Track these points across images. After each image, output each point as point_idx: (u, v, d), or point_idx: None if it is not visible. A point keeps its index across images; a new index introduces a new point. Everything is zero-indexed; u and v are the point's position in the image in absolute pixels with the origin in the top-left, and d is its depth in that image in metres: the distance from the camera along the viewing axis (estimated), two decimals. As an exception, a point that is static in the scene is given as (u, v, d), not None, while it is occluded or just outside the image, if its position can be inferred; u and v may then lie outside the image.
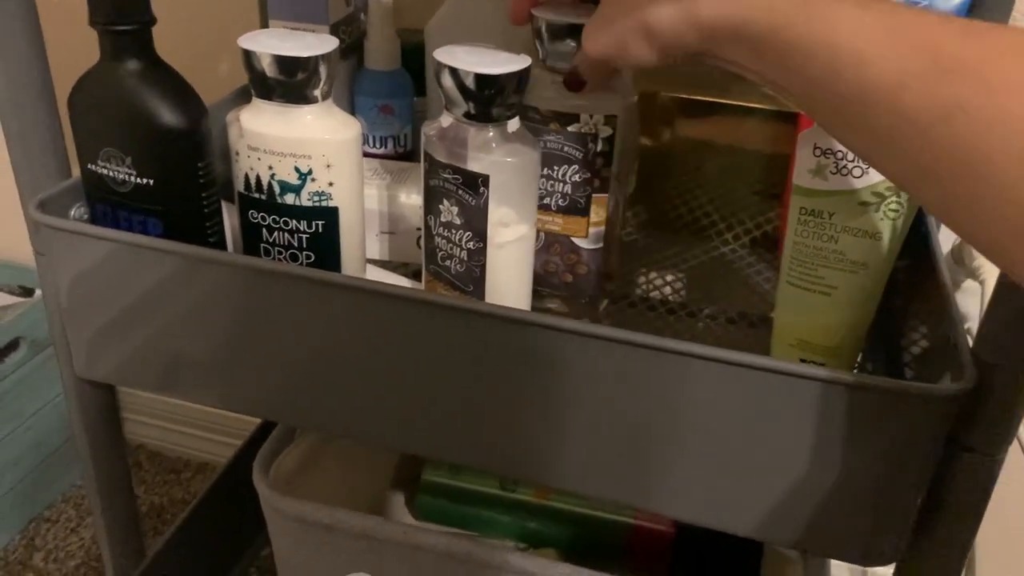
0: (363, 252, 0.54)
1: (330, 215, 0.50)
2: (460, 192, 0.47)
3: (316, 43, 0.47)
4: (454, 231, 0.49)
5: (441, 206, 0.48)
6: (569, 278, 0.55)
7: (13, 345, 1.06)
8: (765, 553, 0.68)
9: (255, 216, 0.50)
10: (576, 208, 0.53)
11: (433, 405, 0.48)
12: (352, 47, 0.67)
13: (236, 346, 0.50)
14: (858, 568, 0.95)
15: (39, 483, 1.12)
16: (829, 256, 0.46)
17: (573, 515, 0.75)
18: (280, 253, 0.51)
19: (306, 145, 0.48)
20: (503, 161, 0.46)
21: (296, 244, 0.50)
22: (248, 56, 0.47)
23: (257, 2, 0.80)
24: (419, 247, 0.61)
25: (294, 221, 0.50)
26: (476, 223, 0.47)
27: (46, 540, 1.10)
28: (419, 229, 0.61)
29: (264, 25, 0.79)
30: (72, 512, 1.14)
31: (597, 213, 0.55)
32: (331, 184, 0.49)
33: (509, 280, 0.50)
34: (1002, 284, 0.39)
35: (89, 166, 0.49)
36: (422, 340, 0.46)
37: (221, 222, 0.52)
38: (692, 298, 0.62)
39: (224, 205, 0.53)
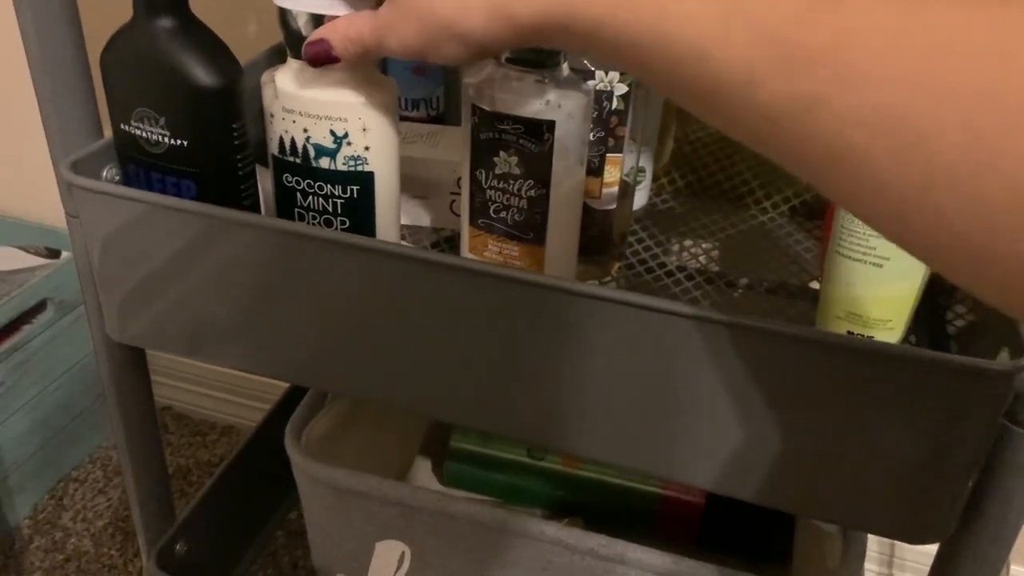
0: (398, 217, 0.53)
1: (365, 180, 0.48)
2: (521, 141, 0.46)
3: (353, 0, 0.46)
4: (512, 181, 0.48)
5: (496, 158, 0.48)
6: (581, 240, 0.54)
7: (40, 306, 1.06)
8: (798, 526, 0.67)
9: (289, 180, 0.49)
10: (590, 168, 0.52)
11: (461, 371, 0.47)
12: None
13: (268, 310, 0.50)
14: (886, 542, 0.94)
15: (67, 443, 1.13)
16: (882, 226, 0.44)
17: (601, 484, 0.75)
18: (315, 218, 0.50)
19: (341, 108, 0.47)
20: (566, 105, 0.46)
21: (331, 209, 0.49)
22: (283, 14, 0.45)
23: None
24: (453, 212, 0.60)
25: (329, 186, 0.49)
26: (539, 170, 0.47)
27: (74, 500, 1.11)
28: (453, 193, 0.60)
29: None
30: (99, 473, 1.15)
31: (611, 173, 0.54)
32: (367, 148, 0.48)
33: (569, 223, 0.50)
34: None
35: (122, 126, 0.48)
36: (451, 305, 0.45)
37: (255, 185, 0.51)
38: (730, 267, 0.60)
39: (257, 169, 0.52)
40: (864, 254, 0.45)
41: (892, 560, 0.95)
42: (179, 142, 0.47)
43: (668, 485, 0.74)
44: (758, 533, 0.70)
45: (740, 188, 0.68)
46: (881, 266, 0.45)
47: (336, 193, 0.49)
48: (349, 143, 0.47)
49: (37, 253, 1.13)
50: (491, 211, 0.50)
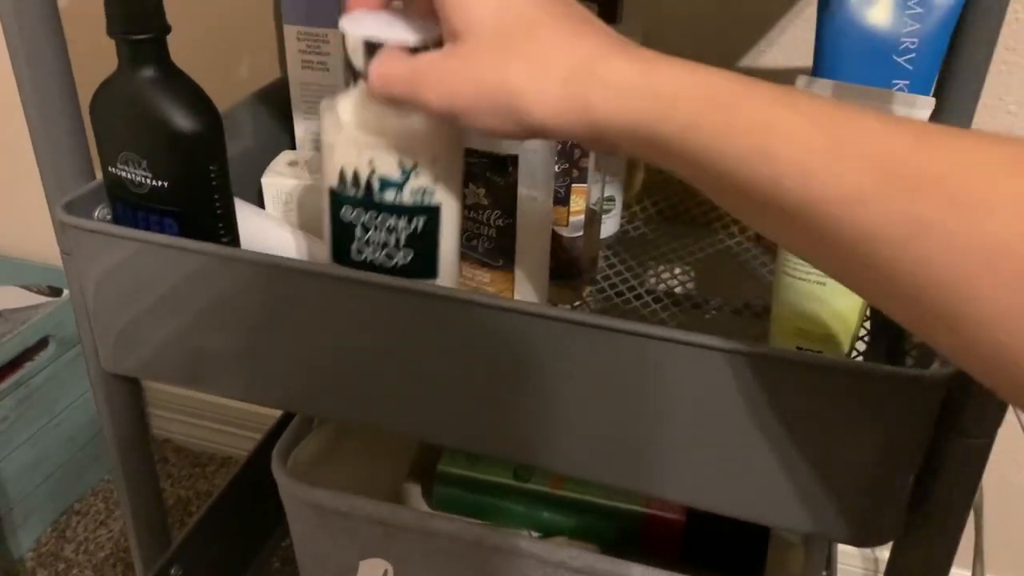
0: (458, 248, 0.50)
1: (432, 213, 0.46)
2: (488, 174, 0.49)
3: (423, 26, 0.42)
4: (481, 211, 0.50)
5: (466, 190, 0.50)
6: (552, 265, 0.56)
7: (42, 343, 1.09)
8: (771, 540, 0.69)
9: (348, 215, 0.47)
10: (556, 198, 0.55)
11: (445, 394, 0.49)
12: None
13: (257, 340, 0.52)
14: (870, 553, 0.96)
15: (69, 477, 1.15)
16: (824, 246, 0.47)
17: (585, 504, 0.77)
18: (374, 252, 0.48)
19: (411, 138, 0.44)
20: (529, 141, 0.47)
21: (393, 242, 0.47)
22: (360, 42, 0.41)
23: (272, 7, 0.82)
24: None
25: (392, 218, 0.46)
26: (505, 201, 0.49)
27: (76, 532, 1.13)
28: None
29: (279, 30, 0.81)
30: (101, 505, 1.17)
31: (576, 203, 0.57)
32: (435, 179, 0.45)
33: (537, 250, 0.52)
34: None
35: (109, 168, 0.51)
36: (430, 330, 0.47)
37: (233, 222, 0.53)
38: (698, 289, 0.63)
39: (238, 203, 0.54)
40: (807, 274, 0.48)
41: None
42: (160, 183, 0.50)
43: (649, 503, 0.76)
44: (736, 547, 0.72)
45: (709, 214, 0.70)
46: (824, 284, 0.47)
47: (400, 226, 0.46)
48: (418, 175, 0.45)
49: (39, 291, 1.15)
50: (464, 239, 0.53)
